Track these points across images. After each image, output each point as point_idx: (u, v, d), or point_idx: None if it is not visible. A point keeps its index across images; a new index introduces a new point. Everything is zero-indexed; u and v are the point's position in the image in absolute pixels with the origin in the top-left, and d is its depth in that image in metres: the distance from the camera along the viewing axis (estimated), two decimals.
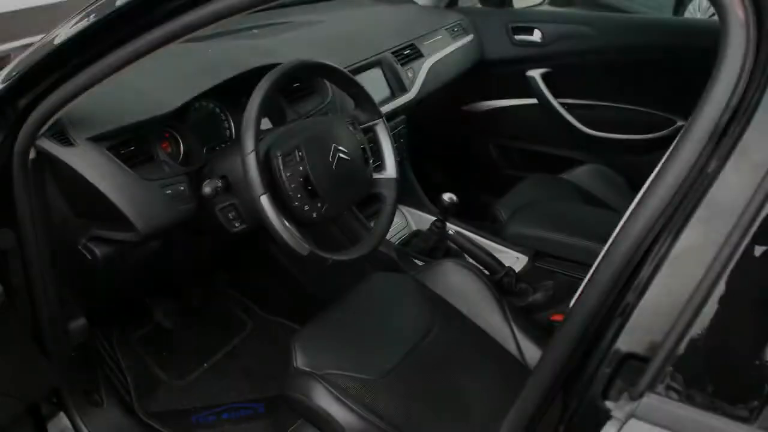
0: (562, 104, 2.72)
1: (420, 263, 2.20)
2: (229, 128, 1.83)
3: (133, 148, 1.54)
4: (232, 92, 1.77)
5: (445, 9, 2.86)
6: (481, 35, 2.80)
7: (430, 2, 2.84)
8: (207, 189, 1.54)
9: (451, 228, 2.21)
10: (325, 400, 1.45)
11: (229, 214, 1.60)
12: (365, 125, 1.76)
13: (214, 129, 1.81)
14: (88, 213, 1.57)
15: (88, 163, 1.43)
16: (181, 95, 1.66)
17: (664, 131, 2.54)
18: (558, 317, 1.92)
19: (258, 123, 1.46)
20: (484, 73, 2.81)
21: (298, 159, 1.53)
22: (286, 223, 1.46)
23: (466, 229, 2.34)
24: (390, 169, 1.78)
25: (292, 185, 1.51)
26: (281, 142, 1.54)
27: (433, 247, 2.25)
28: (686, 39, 2.49)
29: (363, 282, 1.82)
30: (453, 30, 2.70)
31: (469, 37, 2.75)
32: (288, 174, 1.51)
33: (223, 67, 1.80)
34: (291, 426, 1.95)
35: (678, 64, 2.43)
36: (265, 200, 1.42)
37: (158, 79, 1.69)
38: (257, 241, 1.96)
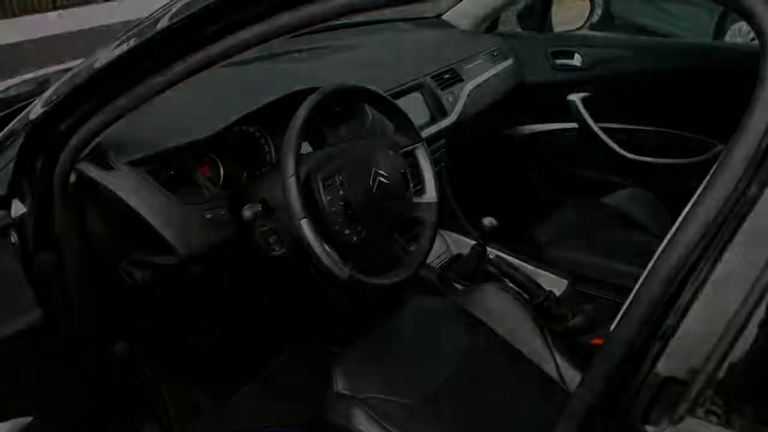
0: (603, 128, 2.71)
1: (460, 287, 2.19)
2: (270, 152, 1.85)
3: (172, 172, 1.56)
4: (273, 116, 1.79)
5: (484, 33, 2.86)
6: (521, 59, 2.81)
7: (469, 27, 2.84)
8: (247, 213, 1.56)
9: (492, 252, 2.20)
10: (365, 425, 1.44)
11: (270, 239, 1.61)
12: (405, 149, 1.77)
13: (254, 153, 1.82)
14: (127, 237, 1.59)
15: (128, 187, 1.44)
16: (221, 119, 1.67)
17: (705, 155, 2.51)
18: (598, 341, 1.90)
19: (298, 147, 1.47)
20: (524, 98, 2.81)
21: (338, 183, 1.54)
22: (326, 247, 1.46)
23: (506, 253, 2.33)
24: (430, 193, 1.79)
25: (333, 209, 1.52)
26: (322, 166, 1.55)
27: (473, 271, 2.24)
28: (727, 62, 2.47)
29: (403, 305, 1.81)
30: (493, 54, 2.71)
31: (509, 62, 2.75)
32: (328, 198, 1.52)
33: (263, 91, 1.82)
34: None
35: (719, 88, 2.40)
36: (305, 224, 1.43)
37: (198, 102, 1.71)
38: (297, 264, 1.98)
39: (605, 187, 2.68)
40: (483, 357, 1.65)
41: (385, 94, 1.75)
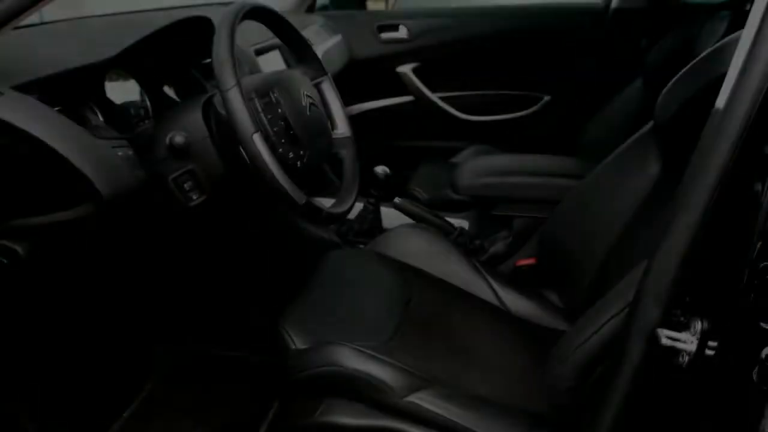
0: (439, 97, 2.74)
1: (362, 246, 2.08)
2: (144, 100, 1.53)
3: (65, 102, 1.27)
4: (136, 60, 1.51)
5: (306, 13, 2.78)
6: (348, 35, 2.76)
7: (289, 8, 2.74)
8: (178, 139, 1.34)
9: (398, 198, 2.10)
10: (348, 358, 1.30)
11: (185, 185, 1.39)
12: (313, 82, 1.65)
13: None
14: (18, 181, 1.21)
15: (24, 112, 1.11)
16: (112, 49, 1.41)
17: (534, 108, 2.65)
18: (523, 262, 1.88)
19: (234, 57, 1.28)
20: (356, 74, 2.75)
21: (274, 101, 1.38)
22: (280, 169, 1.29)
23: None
24: (343, 127, 1.68)
25: (275, 129, 1.35)
26: (254, 84, 1.39)
27: (369, 227, 2.14)
28: (538, 22, 2.63)
29: (324, 261, 1.67)
30: (321, 30, 2.63)
31: (339, 37, 2.69)
32: (269, 116, 1.35)
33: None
34: None
35: (536, 47, 2.58)
36: (258, 139, 1.24)
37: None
38: (219, 211, 1.68)
39: (450, 151, 2.70)
40: (424, 296, 1.57)
41: (291, 23, 1.61)
